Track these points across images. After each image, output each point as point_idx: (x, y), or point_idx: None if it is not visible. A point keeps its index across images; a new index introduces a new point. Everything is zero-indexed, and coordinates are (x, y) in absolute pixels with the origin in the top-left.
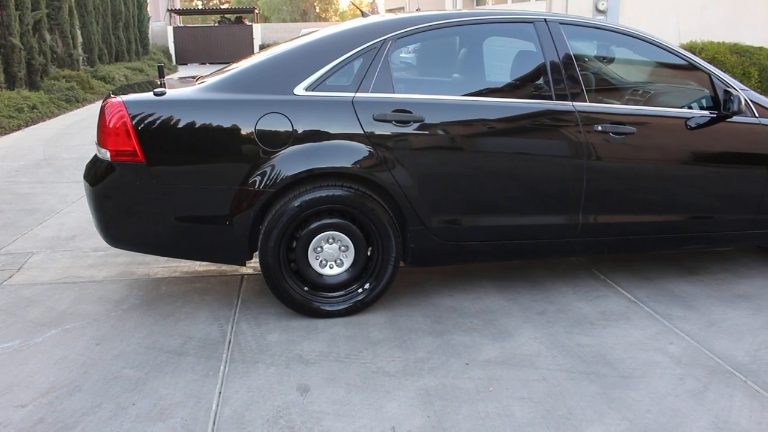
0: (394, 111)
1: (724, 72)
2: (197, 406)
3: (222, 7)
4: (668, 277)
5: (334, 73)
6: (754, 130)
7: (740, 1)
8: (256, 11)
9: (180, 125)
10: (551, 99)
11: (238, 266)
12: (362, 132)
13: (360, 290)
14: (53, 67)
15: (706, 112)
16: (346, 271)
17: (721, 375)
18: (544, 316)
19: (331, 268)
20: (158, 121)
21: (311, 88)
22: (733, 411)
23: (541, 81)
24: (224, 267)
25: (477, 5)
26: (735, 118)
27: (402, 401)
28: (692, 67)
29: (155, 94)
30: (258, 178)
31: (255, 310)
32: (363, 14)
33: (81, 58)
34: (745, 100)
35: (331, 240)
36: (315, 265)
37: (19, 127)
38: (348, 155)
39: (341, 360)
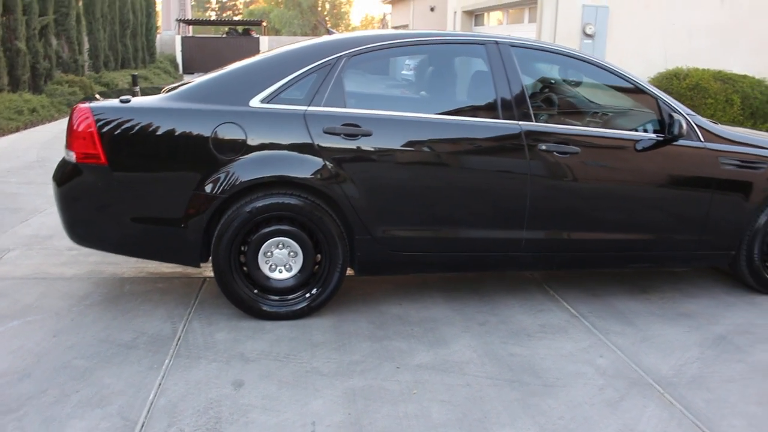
0: (343, 125)
1: (708, 97)
2: (136, 396)
3: (234, 18)
4: (617, 295)
5: (289, 87)
6: (699, 154)
7: (726, 30)
8: (264, 24)
9: (141, 131)
10: (498, 118)
11: (201, 269)
12: (312, 144)
13: (307, 295)
14: (58, 72)
15: (653, 135)
16: (293, 276)
17: (641, 387)
18: (485, 326)
19: (280, 272)
20: (121, 127)
21: (266, 100)
22: (642, 420)
23: (489, 100)
24: (189, 269)
25: (475, 26)
26: (681, 142)
27: (327, 399)
28: (640, 91)
29: (121, 102)
30: (212, 184)
31: (209, 310)
32: (329, 32)
33: (86, 63)
34: (688, 124)
35: (281, 245)
36: (264, 269)
37: (17, 129)
38: (298, 165)
39: (280, 359)
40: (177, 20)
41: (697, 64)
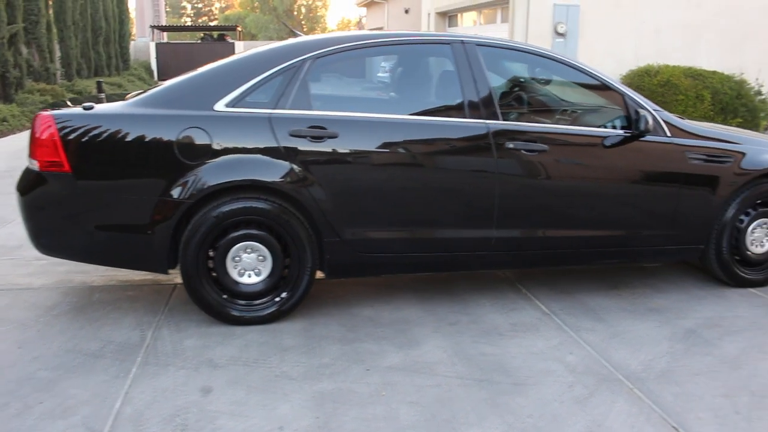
0: (309, 127)
1: (679, 93)
2: (101, 405)
3: (211, 24)
4: (588, 291)
5: (254, 90)
6: (666, 149)
7: (696, 27)
8: (239, 29)
9: (105, 138)
10: (465, 117)
11: (172, 276)
12: (278, 147)
13: (277, 299)
14: (29, 81)
15: (621, 131)
16: (262, 280)
17: (610, 383)
18: (456, 326)
19: (249, 277)
20: (85, 134)
21: (231, 104)
22: (610, 416)
23: (455, 100)
24: (160, 276)
25: (449, 27)
26: (648, 137)
27: (296, 403)
28: (607, 87)
29: (84, 108)
30: (178, 190)
31: (179, 317)
32: (295, 35)
33: (58, 72)
34: (655, 119)
35: (249, 250)
36: (233, 273)
37: None
38: (264, 169)
39: (249, 364)
40: (151, 27)
41: (668, 62)
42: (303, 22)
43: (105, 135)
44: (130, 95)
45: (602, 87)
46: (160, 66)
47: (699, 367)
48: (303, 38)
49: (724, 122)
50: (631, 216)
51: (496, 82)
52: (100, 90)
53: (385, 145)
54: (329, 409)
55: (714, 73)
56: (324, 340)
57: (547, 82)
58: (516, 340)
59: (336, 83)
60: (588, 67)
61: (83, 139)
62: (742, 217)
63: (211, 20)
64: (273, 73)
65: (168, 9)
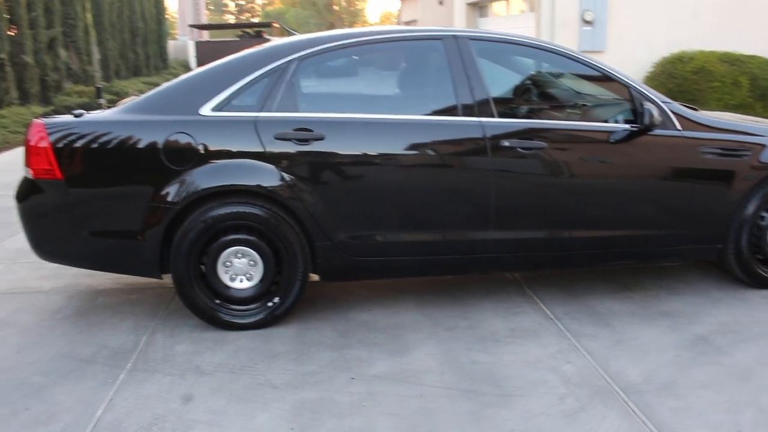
0: (294, 129)
1: (714, 80)
2: (84, 412)
3: (251, 21)
4: (598, 294)
5: (240, 93)
6: (677, 143)
7: (733, 8)
8: (276, 25)
9: (94, 145)
10: (458, 115)
11: None
12: (264, 151)
13: (269, 304)
14: (68, 83)
15: (627, 126)
16: (254, 285)
17: (605, 395)
18: (452, 332)
19: (241, 282)
20: (75, 141)
21: (217, 108)
22: None
23: (449, 97)
24: (166, 280)
25: (480, 17)
26: (657, 131)
27: (275, 413)
28: (611, 80)
29: (74, 116)
30: (165, 196)
31: (175, 321)
32: (290, 33)
33: (97, 74)
34: (663, 112)
35: (240, 255)
36: (225, 278)
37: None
38: (250, 173)
39: (235, 371)
40: (189, 26)
41: (703, 47)
42: (343, 17)
43: (94, 142)
44: (123, 101)
45: (607, 79)
46: (199, 64)
47: (704, 378)
48: (290, 39)
49: (765, 109)
50: (641, 214)
51: (493, 77)
52: (99, 95)
53: (373, 146)
54: (307, 419)
55: (753, 57)
56: (315, 346)
57: (550, 76)
58: (512, 347)
59: (324, 84)
60: (590, 59)
61: (73, 147)
62: (764, 213)
63: (254, 16)
64: (259, 75)
65: (211, 6)
